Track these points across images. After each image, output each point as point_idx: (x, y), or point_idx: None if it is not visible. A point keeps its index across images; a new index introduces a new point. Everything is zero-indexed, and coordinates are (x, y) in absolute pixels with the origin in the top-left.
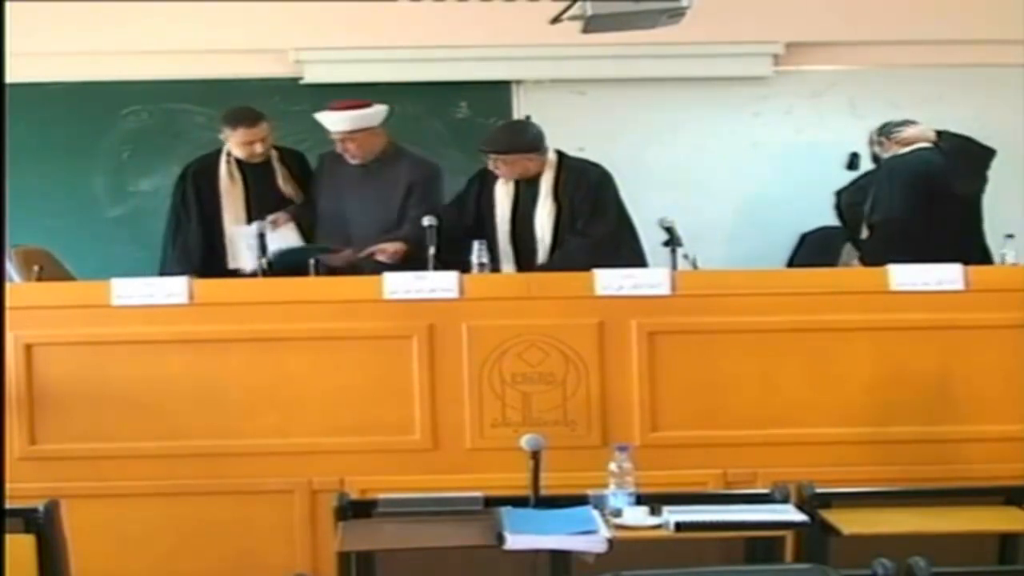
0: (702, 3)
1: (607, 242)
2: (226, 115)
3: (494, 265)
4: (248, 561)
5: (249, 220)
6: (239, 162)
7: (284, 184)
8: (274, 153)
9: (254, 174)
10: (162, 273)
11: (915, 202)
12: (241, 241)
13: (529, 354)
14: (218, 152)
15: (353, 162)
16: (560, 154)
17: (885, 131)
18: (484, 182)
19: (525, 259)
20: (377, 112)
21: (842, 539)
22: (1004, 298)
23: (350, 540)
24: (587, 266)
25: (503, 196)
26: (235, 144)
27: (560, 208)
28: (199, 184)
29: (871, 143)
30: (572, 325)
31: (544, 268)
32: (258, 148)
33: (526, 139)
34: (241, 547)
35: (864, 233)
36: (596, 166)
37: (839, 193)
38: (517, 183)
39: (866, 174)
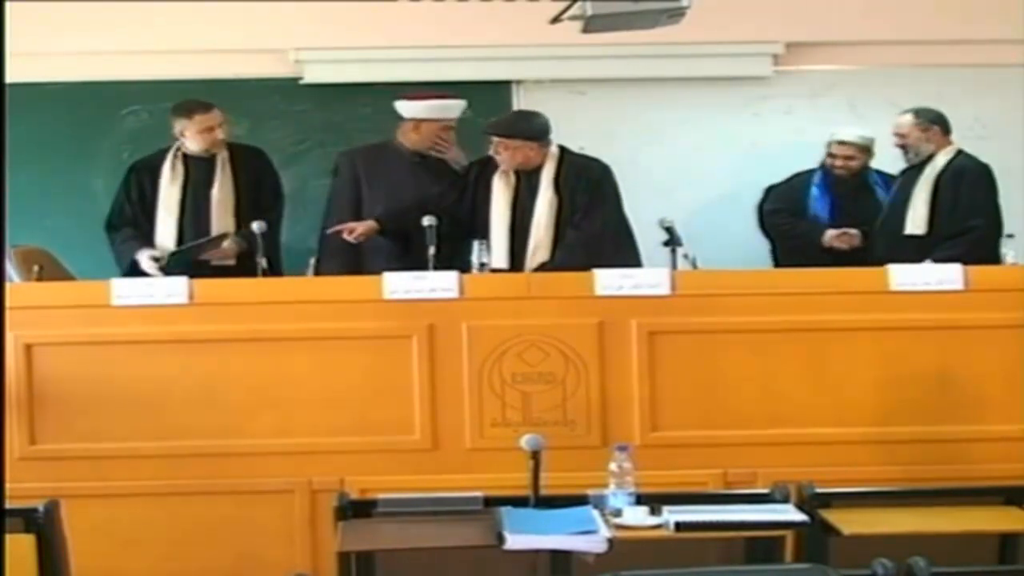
0: (702, 3)
1: (605, 237)
2: (178, 107)
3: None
4: (248, 561)
5: (181, 218)
6: (185, 159)
7: (218, 192)
8: (224, 153)
9: (197, 171)
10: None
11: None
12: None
13: (529, 354)
14: (166, 150)
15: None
16: (562, 148)
17: (940, 120)
18: (483, 171)
19: (518, 254)
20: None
21: (842, 539)
22: (1004, 298)
23: (350, 540)
24: (586, 260)
25: (502, 188)
26: (194, 134)
27: (561, 201)
28: (141, 180)
29: (908, 133)
30: (572, 325)
31: (547, 266)
32: (219, 134)
33: (531, 126)
34: (241, 547)
35: (913, 229)
36: (597, 161)
37: (769, 190)
38: (517, 177)
39: (799, 174)
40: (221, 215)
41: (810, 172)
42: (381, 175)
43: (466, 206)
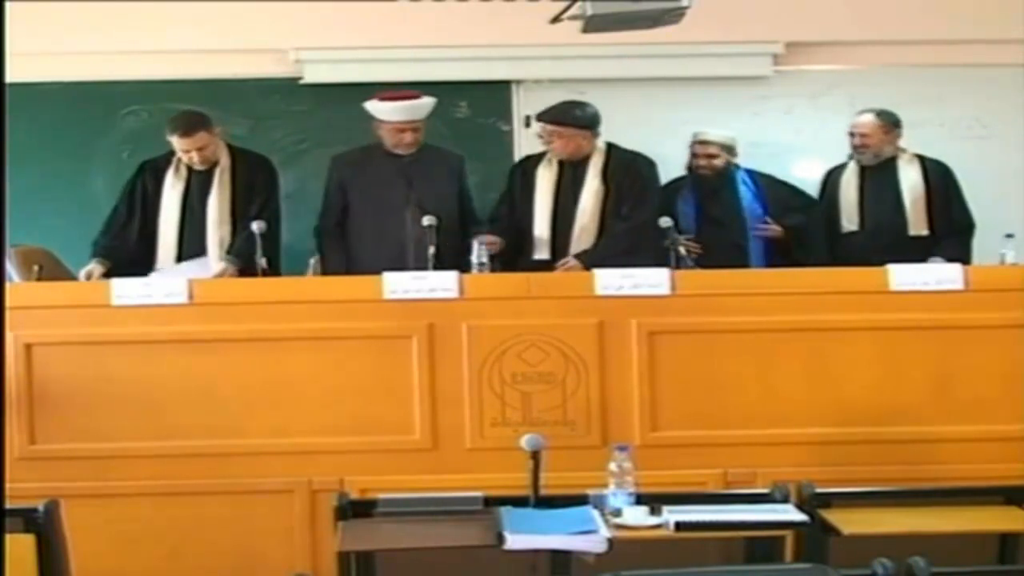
0: (702, 3)
1: (647, 230)
2: (170, 119)
3: (527, 252)
4: (248, 561)
5: (182, 225)
6: (189, 165)
7: (214, 201)
8: (225, 162)
9: (197, 180)
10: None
11: None
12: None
13: (529, 354)
14: (174, 152)
15: (407, 152)
16: (609, 143)
17: (899, 123)
18: (524, 171)
19: (561, 244)
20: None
21: (842, 539)
22: (1004, 298)
23: (350, 540)
24: (628, 252)
25: (546, 178)
26: (176, 148)
27: (607, 191)
28: (147, 181)
29: (872, 134)
30: (572, 325)
31: (590, 254)
32: (195, 157)
33: (585, 115)
34: (241, 547)
35: (916, 230)
36: (645, 156)
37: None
38: (561, 167)
39: (666, 184)
40: (215, 226)
41: (677, 180)
42: (367, 178)
43: (517, 215)
